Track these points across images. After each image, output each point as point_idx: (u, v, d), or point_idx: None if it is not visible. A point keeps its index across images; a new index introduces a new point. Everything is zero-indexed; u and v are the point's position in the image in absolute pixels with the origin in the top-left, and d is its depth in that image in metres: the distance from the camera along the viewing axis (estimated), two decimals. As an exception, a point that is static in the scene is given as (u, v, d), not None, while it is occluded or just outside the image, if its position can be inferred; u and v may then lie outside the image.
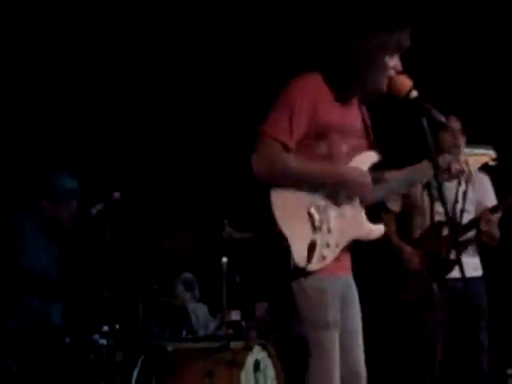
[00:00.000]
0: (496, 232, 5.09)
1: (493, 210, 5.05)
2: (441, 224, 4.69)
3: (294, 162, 3.29)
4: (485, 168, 4.46)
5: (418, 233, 5.20)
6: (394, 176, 3.56)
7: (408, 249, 5.16)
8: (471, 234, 5.10)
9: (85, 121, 6.71)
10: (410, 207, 5.23)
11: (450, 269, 4.78)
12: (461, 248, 4.86)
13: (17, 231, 4.93)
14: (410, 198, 5.15)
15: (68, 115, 6.61)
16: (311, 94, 3.32)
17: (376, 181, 3.45)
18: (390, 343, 3.48)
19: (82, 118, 6.71)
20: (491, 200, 5.22)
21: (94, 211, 4.84)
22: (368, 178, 3.39)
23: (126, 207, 5.23)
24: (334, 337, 3.30)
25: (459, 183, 4.87)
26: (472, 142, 4.82)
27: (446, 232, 4.76)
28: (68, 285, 5.02)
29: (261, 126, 3.32)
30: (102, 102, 6.76)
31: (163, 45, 6.86)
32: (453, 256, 4.84)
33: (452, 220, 4.72)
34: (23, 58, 6.36)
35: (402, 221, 5.30)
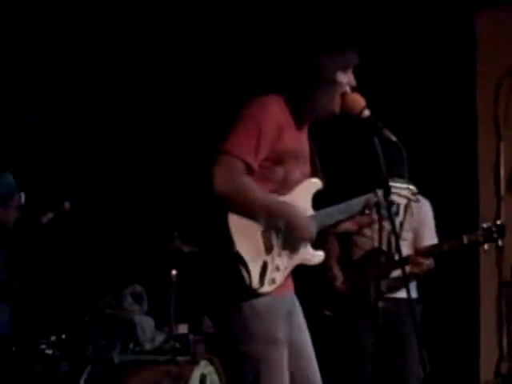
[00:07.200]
0: (428, 266, 5.03)
1: (423, 253, 5.00)
2: (378, 252, 4.76)
3: (255, 191, 3.22)
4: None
5: (359, 253, 5.16)
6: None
7: (335, 269, 5.11)
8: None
9: (40, 130, 6.68)
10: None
11: (379, 298, 4.82)
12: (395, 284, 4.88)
13: None
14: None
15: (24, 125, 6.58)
16: (278, 118, 3.29)
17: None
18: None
19: (38, 127, 6.68)
20: (428, 228, 5.13)
21: (44, 220, 4.83)
22: (304, 220, 3.34)
23: (76, 218, 5.21)
24: (283, 352, 3.30)
25: (396, 213, 4.88)
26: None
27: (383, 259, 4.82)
28: (14, 287, 4.95)
29: (223, 143, 3.21)
30: (60, 111, 6.73)
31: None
32: (383, 287, 4.88)
33: (388, 254, 4.77)
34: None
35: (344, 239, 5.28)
